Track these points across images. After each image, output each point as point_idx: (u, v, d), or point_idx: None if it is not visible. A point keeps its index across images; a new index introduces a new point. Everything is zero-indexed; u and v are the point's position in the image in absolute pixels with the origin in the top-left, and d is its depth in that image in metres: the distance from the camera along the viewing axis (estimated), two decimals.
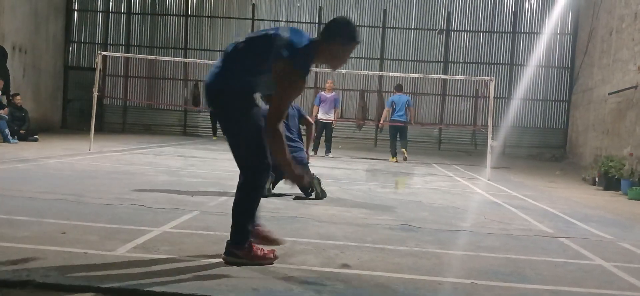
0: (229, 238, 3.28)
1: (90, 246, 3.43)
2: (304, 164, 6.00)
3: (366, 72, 16.36)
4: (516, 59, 18.06)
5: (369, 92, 18.09)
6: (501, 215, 5.71)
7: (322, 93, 13.08)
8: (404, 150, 12.42)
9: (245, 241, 3.25)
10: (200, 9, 19.04)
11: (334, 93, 13.14)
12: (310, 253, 3.62)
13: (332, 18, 3.46)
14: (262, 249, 3.30)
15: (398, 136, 12.62)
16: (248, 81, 3.25)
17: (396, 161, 12.28)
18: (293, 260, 3.43)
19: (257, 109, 3.29)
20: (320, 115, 12.64)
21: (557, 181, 10.21)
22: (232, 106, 3.23)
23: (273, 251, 3.36)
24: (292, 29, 3.34)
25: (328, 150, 12.86)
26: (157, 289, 2.71)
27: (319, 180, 6.08)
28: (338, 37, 3.28)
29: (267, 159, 3.26)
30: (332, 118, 12.92)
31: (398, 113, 12.69)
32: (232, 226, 3.28)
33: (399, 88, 13.30)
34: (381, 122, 14.11)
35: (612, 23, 13.40)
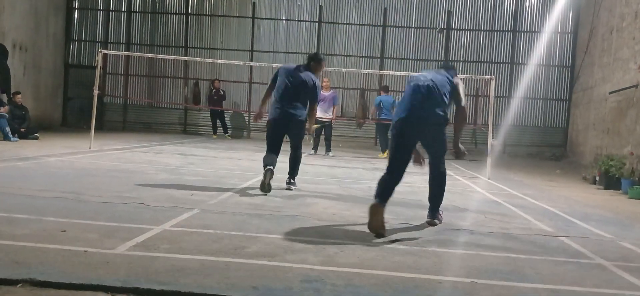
0: (430, 212, 4.89)
1: (90, 245, 3.43)
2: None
3: (366, 71, 16.38)
4: (517, 57, 18.03)
5: (369, 90, 18.05)
6: (501, 213, 5.71)
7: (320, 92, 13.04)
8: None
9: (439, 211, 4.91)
10: (200, 7, 19.01)
11: (331, 91, 13.10)
12: (310, 252, 3.62)
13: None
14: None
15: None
16: None
17: (386, 156, 12.37)
18: (293, 258, 3.43)
19: None
20: (318, 114, 12.59)
21: (557, 180, 10.21)
22: (444, 129, 4.74)
23: None
24: (441, 73, 4.99)
25: (328, 149, 12.86)
26: (157, 287, 2.72)
27: (271, 172, 6.11)
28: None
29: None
30: (331, 116, 12.90)
31: (385, 113, 12.91)
32: (435, 203, 4.88)
33: (385, 89, 13.88)
34: (371, 118, 14.25)
35: (612, 22, 13.38)
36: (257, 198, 5.73)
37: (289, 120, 6.40)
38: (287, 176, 6.62)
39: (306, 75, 6.53)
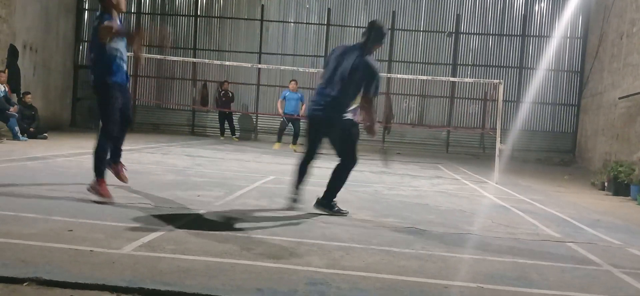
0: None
1: (97, 244, 3.44)
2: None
3: None
4: (525, 62, 17.96)
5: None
6: (509, 219, 5.68)
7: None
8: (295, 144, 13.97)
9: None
10: (209, 9, 19.08)
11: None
12: (315, 254, 3.61)
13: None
14: None
15: (292, 127, 14.46)
16: None
17: (279, 147, 14.14)
18: (298, 260, 3.43)
19: None
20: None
21: (566, 185, 10.14)
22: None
23: None
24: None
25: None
26: (162, 288, 2.72)
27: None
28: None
29: None
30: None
31: (294, 108, 14.30)
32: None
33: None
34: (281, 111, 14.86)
35: (622, 27, 13.30)
36: (263, 200, 5.73)
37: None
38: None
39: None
